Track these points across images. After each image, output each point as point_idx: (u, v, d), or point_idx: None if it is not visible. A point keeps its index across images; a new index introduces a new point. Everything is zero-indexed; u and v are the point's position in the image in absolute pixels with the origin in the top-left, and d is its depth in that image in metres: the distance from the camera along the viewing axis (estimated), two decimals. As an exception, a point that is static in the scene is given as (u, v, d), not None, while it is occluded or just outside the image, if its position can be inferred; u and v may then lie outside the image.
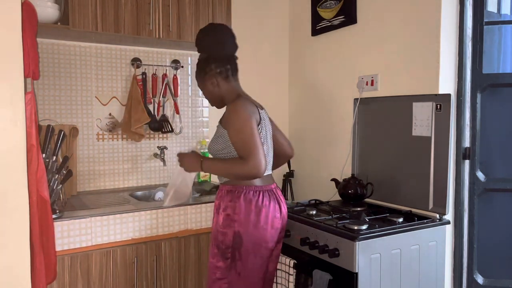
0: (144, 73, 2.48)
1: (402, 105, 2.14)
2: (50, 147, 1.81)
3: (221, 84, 1.82)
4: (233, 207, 1.74)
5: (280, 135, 2.02)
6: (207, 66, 1.81)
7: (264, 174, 1.76)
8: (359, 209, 2.14)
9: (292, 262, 1.96)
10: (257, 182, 1.78)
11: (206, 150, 2.28)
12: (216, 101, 1.88)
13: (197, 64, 1.86)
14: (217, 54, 1.82)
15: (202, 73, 1.83)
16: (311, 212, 2.06)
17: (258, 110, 1.78)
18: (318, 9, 2.65)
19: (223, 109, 1.85)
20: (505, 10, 2.21)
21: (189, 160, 1.83)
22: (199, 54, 1.86)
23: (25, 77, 1.20)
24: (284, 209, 1.85)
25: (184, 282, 2.09)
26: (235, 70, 1.86)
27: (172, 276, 2.05)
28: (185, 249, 2.08)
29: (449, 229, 2.05)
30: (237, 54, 2.77)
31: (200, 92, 2.69)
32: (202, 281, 2.13)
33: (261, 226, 1.74)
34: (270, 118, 1.94)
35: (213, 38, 1.82)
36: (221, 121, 1.81)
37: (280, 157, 2.03)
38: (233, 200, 1.75)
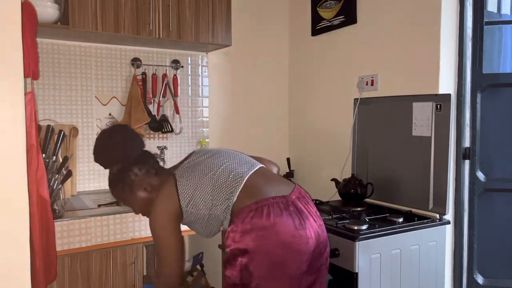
0: (144, 73, 2.48)
1: (402, 105, 2.14)
2: (50, 147, 1.81)
3: (154, 183, 1.53)
4: (234, 237, 1.39)
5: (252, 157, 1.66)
6: (130, 174, 1.51)
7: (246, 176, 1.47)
8: (359, 209, 2.14)
9: (292, 262, 1.96)
10: (257, 195, 1.41)
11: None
12: (146, 209, 1.55)
13: (114, 181, 1.54)
14: (132, 156, 1.54)
15: (128, 185, 1.51)
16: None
17: (178, 182, 1.47)
18: (318, 9, 2.65)
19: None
20: (505, 10, 2.21)
21: None
22: (108, 170, 1.57)
23: (25, 77, 1.20)
24: (315, 224, 1.44)
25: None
26: (157, 161, 1.61)
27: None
28: (185, 249, 2.07)
29: (449, 229, 2.04)
30: (237, 54, 2.80)
31: (201, 92, 2.70)
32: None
33: (274, 250, 1.36)
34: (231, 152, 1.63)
35: (117, 145, 1.54)
36: None
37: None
38: (233, 230, 1.40)
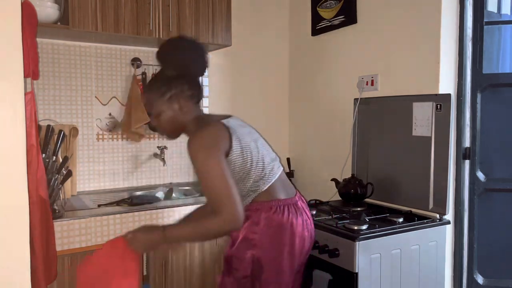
0: (144, 73, 2.48)
1: (402, 105, 2.14)
2: (50, 147, 1.81)
3: (188, 110, 1.49)
4: (252, 229, 1.44)
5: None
6: (176, 85, 1.47)
7: (275, 177, 1.49)
8: (359, 209, 2.14)
9: (292, 262, 1.96)
10: (280, 194, 1.49)
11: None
12: (174, 129, 1.53)
13: (157, 82, 1.51)
14: (191, 73, 1.52)
15: (166, 94, 1.46)
16: (311, 212, 2.06)
17: (230, 129, 1.44)
18: (318, 9, 2.65)
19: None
20: (505, 10, 2.21)
21: (142, 238, 1.43)
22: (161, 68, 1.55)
23: (25, 77, 1.20)
24: (312, 225, 1.57)
25: (185, 282, 2.09)
26: (201, 95, 1.56)
27: (172, 276, 2.05)
28: (187, 250, 2.07)
29: (449, 229, 2.04)
30: (237, 54, 2.80)
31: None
32: (206, 282, 2.12)
33: (287, 250, 1.45)
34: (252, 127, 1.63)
35: (188, 53, 1.52)
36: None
37: None
38: (252, 220, 1.45)
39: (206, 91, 2.72)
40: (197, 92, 1.51)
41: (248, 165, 1.45)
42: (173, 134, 1.55)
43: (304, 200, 1.60)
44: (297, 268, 1.52)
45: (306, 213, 1.55)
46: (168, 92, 1.46)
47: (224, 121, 1.47)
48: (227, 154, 1.41)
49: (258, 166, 1.46)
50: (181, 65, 1.49)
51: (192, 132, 1.47)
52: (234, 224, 1.31)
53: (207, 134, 1.41)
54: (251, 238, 1.44)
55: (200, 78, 1.55)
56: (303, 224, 1.50)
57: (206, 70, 1.58)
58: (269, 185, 1.48)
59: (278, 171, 1.54)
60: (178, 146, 2.65)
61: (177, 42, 1.55)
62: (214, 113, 1.56)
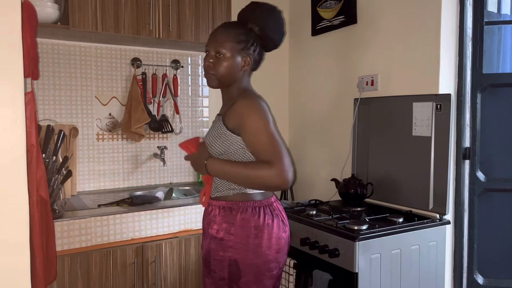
0: (144, 73, 2.48)
1: (402, 105, 2.14)
2: (50, 147, 1.82)
3: (246, 70, 1.51)
4: (228, 230, 1.43)
5: None
6: (254, 43, 1.48)
7: None
8: (359, 209, 2.14)
9: (292, 262, 1.96)
10: (257, 195, 1.47)
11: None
12: (223, 77, 1.48)
13: (239, 28, 1.48)
14: (270, 41, 1.53)
15: (242, 43, 1.46)
16: (311, 212, 2.06)
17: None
18: (318, 9, 2.65)
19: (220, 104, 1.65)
20: (505, 10, 2.21)
21: (194, 159, 1.53)
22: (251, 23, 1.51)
23: (25, 77, 1.20)
24: (288, 228, 1.55)
25: (185, 282, 2.09)
26: (258, 67, 1.59)
27: (172, 276, 2.05)
28: (186, 249, 2.08)
29: (449, 229, 2.05)
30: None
31: (201, 92, 2.70)
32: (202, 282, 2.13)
33: (264, 252, 1.43)
34: None
35: (276, 23, 1.53)
36: (224, 120, 1.46)
37: None
38: (227, 221, 1.43)
39: (206, 91, 2.72)
40: (259, 62, 1.55)
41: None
42: (219, 81, 1.50)
43: (280, 203, 1.58)
44: (277, 272, 1.49)
45: (282, 214, 1.53)
46: (243, 43, 1.47)
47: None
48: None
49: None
50: (266, 28, 1.50)
51: (236, 93, 1.50)
52: (286, 180, 1.32)
53: (262, 102, 1.45)
54: (226, 239, 1.42)
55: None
56: (280, 226, 1.48)
57: (278, 47, 1.59)
58: None
59: None
60: (178, 146, 2.65)
61: (269, 7, 1.53)
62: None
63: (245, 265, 1.41)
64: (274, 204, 1.52)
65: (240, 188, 1.46)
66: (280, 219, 1.50)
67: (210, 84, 1.52)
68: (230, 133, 1.43)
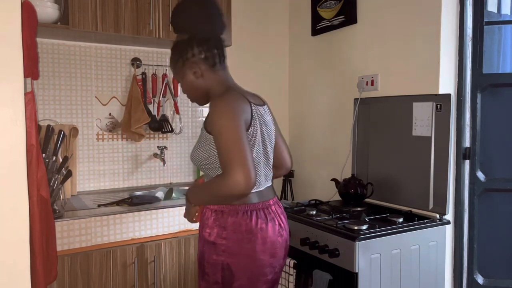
0: (144, 73, 2.48)
1: (402, 105, 2.14)
2: (50, 147, 1.81)
3: (207, 74, 1.44)
4: (220, 234, 1.38)
5: (282, 141, 1.65)
6: (188, 50, 1.41)
7: (261, 188, 1.44)
8: (359, 209, 2.14)
9: (292, 262, 1.96)
10: (252, 198, 1.41)
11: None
12: (198, 96, 1.49)
13: (174, 48, 1.46)
14: (202, 34, 1.42)
15: (182, 60, 1.43)
16: (311, 212, 2.06)
17: (252, 107, 1.41)
18: (318, 9, 2.65)
19: None
20: (505, 10, 2.21)
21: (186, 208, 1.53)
22: (176, 35, 1.50)
23: (25, 77, 1.20)
24: (286, 231, 1.50)
25: (184, 282, 2.09)
26: (223, 56, 1.48)
27: (172, 276, 2.05)
28: (185, 249, 2.08)
29: (449, 229, 2.04)
30: (237, 54, 2.80)
31: (200, 92, 2.69)
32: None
33: (257, 256, 1.38)
34: (274, 119, 1.59)
35: (197, 14, 1.43)
36: (205, 122, 1.42)
37: (278, 168, 1.64)
38: (219, 224, 1.39)
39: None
40: (211, 54, 1.42)
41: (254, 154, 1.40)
42: (198, 100, 1.50)
43: (281, 206, 1.53)
44: (272, 276, 1.44)
45: (280, 218, 1.47)
46: (180, 59, 1.43)
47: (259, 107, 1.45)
48: (247, 128, 1.36)
49: (258, 162, 1.42)
50: (188, 27, 1.43)
51: (217, 96, 1.42)
52: (240, 189, 1.24)
53: (239, 100, 1.37)
54: (219, 243, 1.38)
55: (219, 38, 1.47)
56: (276, 230, 1.42)
57: (223, 28, 1.48)
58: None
59: (263, 186, 1.47)
60: (178, 146, 2.65)
61: (183, 4, 1.46)
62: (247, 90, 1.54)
63: (238, 270, 1.38)
64: (273, 207, 1.46)
65: None
66: (277, 222, 1.44)
67: (199, 105, 1.55)
68: (209, 135, 1.38)
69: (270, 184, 1.52)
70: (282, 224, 1.47)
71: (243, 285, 1.39)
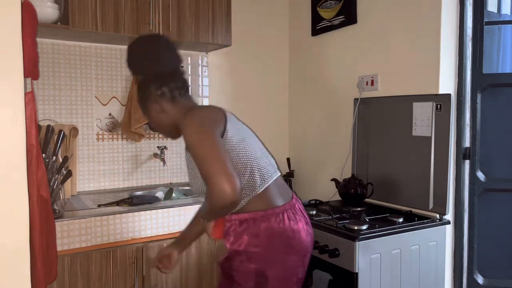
0: (144, 73, 2.47)
1: (402, 105, 2.14)
2: (50, 147, 1.81)
3: (168, 108, 1.44)
4: (251, 242, 1.36)
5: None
6: (145, 89, 1.45)
7: (271, 180, 1.42)
8: (359, 209, 2.14)
9: (292, 262, 1.96)
10: (277, 200, 1.40)
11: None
12: (167, 130, 1.51)
13: (137, 90, 1.51)
14: (152, 73, 1.46)
15: (143, 99, 1.47)
16: (311, 212, 2.06)
17: (226, 114, 1.42)
18: (318, 9, 2.65)
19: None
20: (505, 10, 2.21)
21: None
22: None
23: (25, 77, 1.20)
24: (311, 227, 1.49)
25: (185, 282, 2.09)
26: (183, 87, 1.47)
27: (173, 276, 2.05)
28: (186, 250, 2.07)
29: (449, 229, 2.04)
30: (237, 54, 2.80)
31: (201, 92, 2.70)
32: (203, 282, 2.12)
33: (291, 258, 1.39)
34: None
35: (145, 54, 1.47)
36: (186, 147, 1.40)
37: None
38: (251, 233, 1.36)
39: (206, 91, 2.72)
40: (168, 89, 1.43)
41: (243, 155, 1.38)
42: (170, 134, 1.53)
43: (300, 201, 1.53)
44: (302, 275, 1.46)
45: (304, 215, 1.48)
46: (142, 99, 1.47)
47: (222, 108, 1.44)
48: (222, 135, 1.35)
49: (254, 160, 1.40)
50: (139, 69, 1.48)
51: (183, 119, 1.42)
52: (229, 194, 1.20)
53: (202, 111, 1.40)
54: (252, 251, 1.36)
55: (175, 71, 1.48)
56: (304, 229, 1.43)
57: (176, 61, 1.50)
58: (265, 186, 1.40)
59: (275, 174, 1.47)
60: (178, 146, 2.65)
61: (132, 46, 1.49)
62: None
63: (272, 275, 1.36)
64: (296, 205, 1.46)
65: (248, 194, 1.39)
66: (304, 221, 1.45)
67: (173, 140, 1.58)
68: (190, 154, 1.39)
69: (279, 174, 1.50)
70: (308, 221, 1.48)
71: (275, 287, 1.38)
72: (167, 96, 1.44)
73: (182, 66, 1.52)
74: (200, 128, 1.31)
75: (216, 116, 1.38)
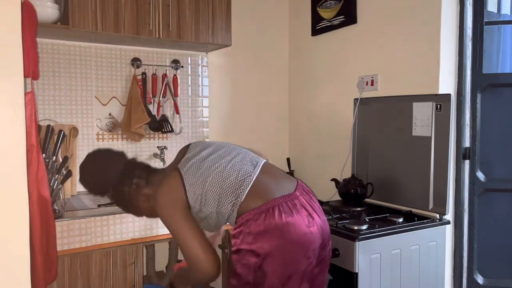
0: (144, 73, 2.48)
1: (402, 105, 2.14)
2: (50, 147, 1.81)
3: (150, 192, 1.51)
4: (245, 240, 1.40)
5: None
6: (122, 195, 1.52)
7: (254, 175, 1.45)
8: (359, 209, 2.14)
9: (292, 262, 1.96)
10: (267, 195, 1.41)
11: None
12: (148, 212, 1.57)
13: (114, 197, 1.56)
14: (115, 181, 1.54)
15: (129, 203, 1.53)
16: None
17: (181, 172, 1.46)
18: (318, 9, 2.65)
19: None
20: (505, 10, 2.21)
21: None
22: (106, 195, 1.59)
23: (25, 77, 1.20)
24: (319, 220, 1.45)
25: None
26: (147, 167, 1.60)
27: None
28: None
29: (449, 229, 2.05)
30: (237, 54, 2.80)
31: (201, 92, 2.70)
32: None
33: (288, 252, 1.38)
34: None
35: (93, 178, 1.57)
36: None
37: None
38: (246, 232, 1.40)
39: (206, 91, 2.72)
40: (137, 177, 1.53)
41: (212, 202, 1.43)
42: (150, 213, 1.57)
43: (309, 191, 1.51)
44: (306, 267, 1.41)
45: (311, 206, 1.45)
46: (128, 203, 1.54)
47: (179, 167, 1.47)
48: (187, 201, 1.42)
49: (223, 192, 1.43)
50: (101, 187, 1.56)
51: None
52: (210, 271, 1.35)
53: (162, 196, 1.44)
54: (249, 249, 1.39)
55: (129, 168, 1.58)
56: (303, 220, 1.39)
57: (121, 159, 1.61)
58: (245, 194, 1.41)
59: (257, 168, 1.47)
60: (178, 146, 2.65)
61: (83, 176, 1.58)
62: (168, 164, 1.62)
63: (270, 269, 1.37)
64: (300, 197, 1.44)
65: (238, 200, 1.42)
66: (305, 214, 1.41)
67: None
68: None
69: (263, 162, 1.52)
70: (314, 213, 1.44)
71: (274, 283, 1.38)
72: (142, 183, 1.52)
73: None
74: (167, 214, 1.41)
75: (175, 196, 1.42)
